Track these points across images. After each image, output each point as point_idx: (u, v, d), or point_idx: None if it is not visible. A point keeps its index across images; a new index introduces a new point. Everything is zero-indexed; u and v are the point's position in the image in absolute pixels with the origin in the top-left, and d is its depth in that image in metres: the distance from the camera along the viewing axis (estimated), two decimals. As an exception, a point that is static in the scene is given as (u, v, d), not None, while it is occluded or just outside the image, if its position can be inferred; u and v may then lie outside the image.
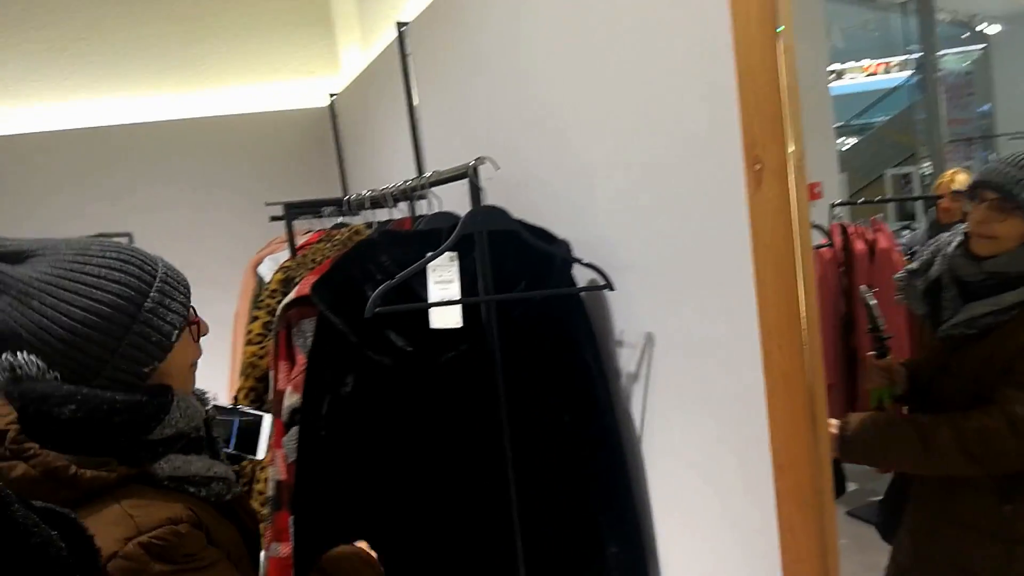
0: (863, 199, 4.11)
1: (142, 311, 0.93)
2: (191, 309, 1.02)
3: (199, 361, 1.07)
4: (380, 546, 1.25)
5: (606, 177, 1.57)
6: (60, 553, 0.62)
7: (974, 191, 1.48)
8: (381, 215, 2.11)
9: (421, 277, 1.52)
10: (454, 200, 1.72)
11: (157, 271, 0.97)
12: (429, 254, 1.46)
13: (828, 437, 1.19)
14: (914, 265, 1.62)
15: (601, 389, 1.62)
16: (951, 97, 9.46)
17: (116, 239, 3.62)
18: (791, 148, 1.19)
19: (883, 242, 2.97)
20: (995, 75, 9.60)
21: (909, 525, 1.58)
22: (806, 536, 1.15)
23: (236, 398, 2.04)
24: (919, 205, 4.50)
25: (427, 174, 1.70)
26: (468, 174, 1.44)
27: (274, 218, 2.59)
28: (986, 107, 9.70)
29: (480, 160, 1.44)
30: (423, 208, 2.13)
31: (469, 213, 1.44)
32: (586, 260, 1.56)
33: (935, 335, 1.54)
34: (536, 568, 1.53)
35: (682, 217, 1.36)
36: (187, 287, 1.02)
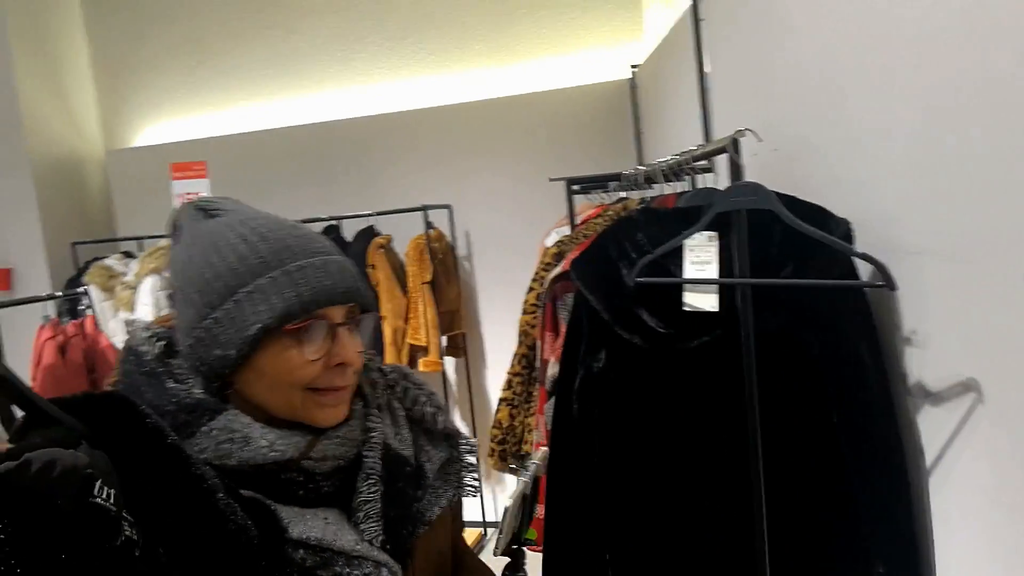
0: None
1: (238, 292, 0.83)
2: (316, 321, 0.85)
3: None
4: (610, 526, 1.26)
5: (897, 151, 1.36)
6: (252, 540, 0.73)
7: None
8: (664, 191, 2.07)
9: (678, 258, 1.48)
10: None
11: (294, 262, 0.85)
12: (684, 233, 1.41)
13: None
14: None
15: (879, 390, 1.43)
16: None
17: (432, 208, 4.03)
18: None
19: None
20: None
21: None
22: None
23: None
24: None
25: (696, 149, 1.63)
26: (727, 148, 1.36)
27: (572, 192, 2.68)
28: None
29: (740, 132, 1.35)
30: (707, 183, 2.06)
31: (726, 190, 1.36)
32: (862, 250, 1.38)
33: None
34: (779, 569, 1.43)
35: (983, 200, 1.14)
36: (326, 292, 0.85)
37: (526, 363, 2.05)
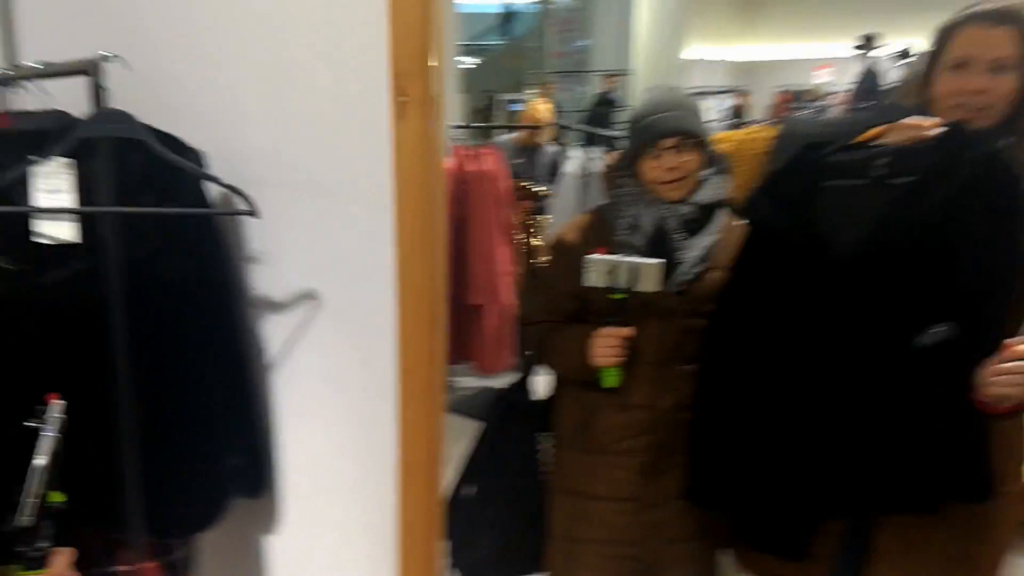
0: (480, 123, 4.51)
1: None
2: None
3: None
4: None
5: (252, 86, 1.52)
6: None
7: (646, 146, 1.50)
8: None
9: (24, 186, 1.35)
10: (65, 97, 1.52)
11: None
12: (37, 158, 1.30)
13: (444, 342, 1.37)
14: (624, 223, 1.55)
15: (232, 304, 1.60)
16: (558, 30, 10.59)
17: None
18: (435, 80, 1.30)
19: (490, 166, 3.29)
20: (595, 13, 10.90)
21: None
22: (425, 429, 1.33)
23: None
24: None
25: (29, 63, 1.47)
26: (90, 71, 1.29)
27: None
28: (583, 43, 11.06)
29: (106, 56, 1.30)
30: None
31: (88, 116, 1.30)
32: (221, 176, 1.51)
33: (656, 294, 1.47)
34: (143, 483, 1.49)
35: (329, 138, 1.41)
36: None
37: None
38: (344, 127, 1.41)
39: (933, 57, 1.39)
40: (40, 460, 0.98)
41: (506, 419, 1.71)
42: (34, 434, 1.07)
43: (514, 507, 1.69)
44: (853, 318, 1.31)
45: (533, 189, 3.52)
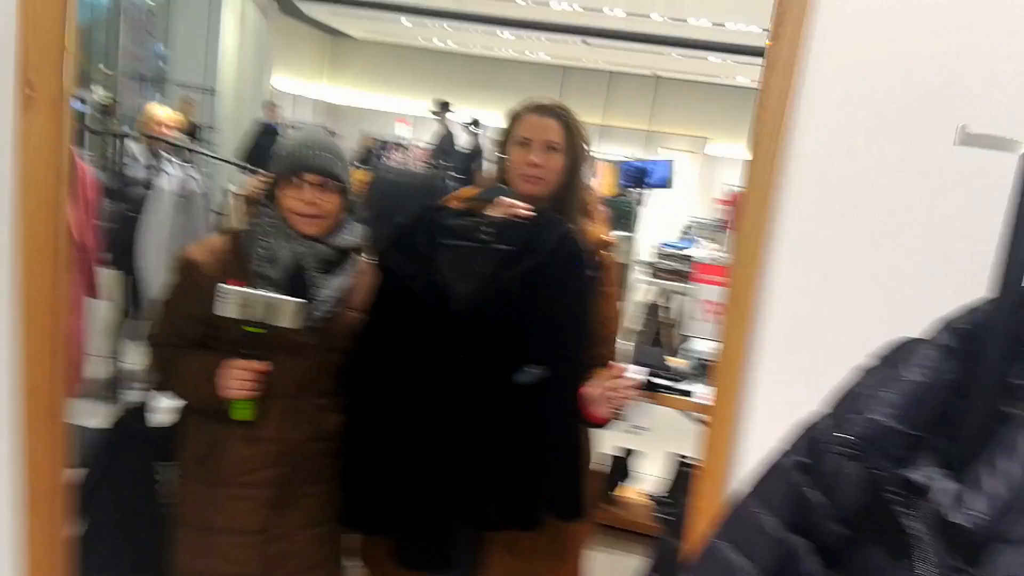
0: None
1: None
2: None
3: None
4: None
5: None
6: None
7: (292, 176, 1.56)
8: None
9: None
10: None
11: None
12: None
13: (63, 361, 1.26)
14: (261, 254, 1.56)
15: None
16: (133, 29, 9.65)
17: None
18: (66, 74, 1.22)
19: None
20: (173, 20, 10.21)
21: None
22: (51, 456, 1.21)
23: None
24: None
25: None
26: None
27: None
28: (160, 48, 10.25)
29: None
30: None
31: None
32: None
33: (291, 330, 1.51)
34: None
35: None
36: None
37: None
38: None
39: (506, 134, 1.76)
40: None
41: (121, 447, 1.58)
42: None
43: (131, 543, 1.56)
44: (465, 358, 1.54)
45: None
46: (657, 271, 4.62)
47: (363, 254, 1.69)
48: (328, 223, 1.61)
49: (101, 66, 8.87)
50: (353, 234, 1.66)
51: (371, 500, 1.61)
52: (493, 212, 1.60)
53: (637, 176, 4.90)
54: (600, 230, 1.76)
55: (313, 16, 11.85)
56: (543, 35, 10.16)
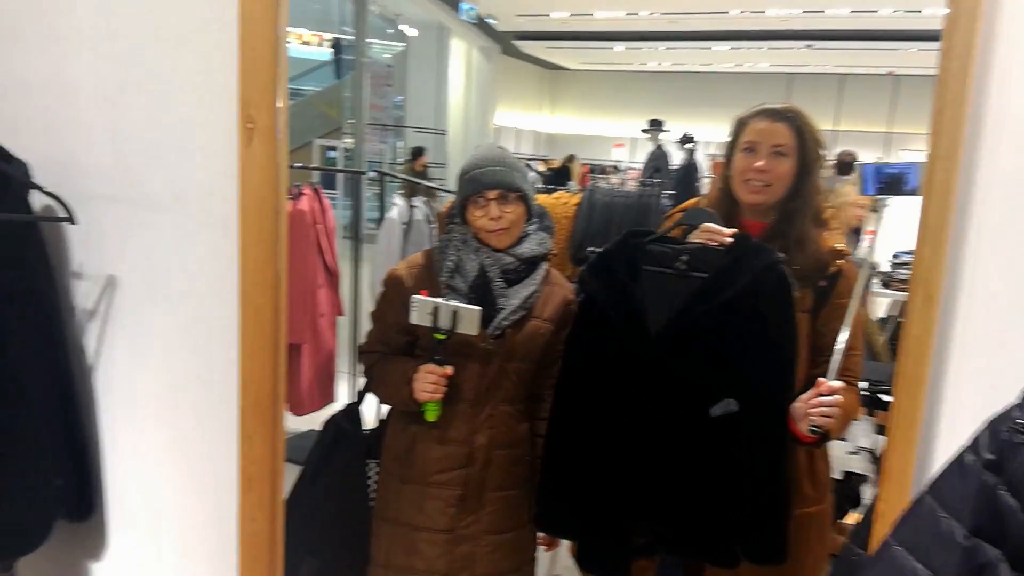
0: (299, 163, 4.50)
1: None
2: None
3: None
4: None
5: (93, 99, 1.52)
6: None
7: (474, 196, 1.64)
8: None
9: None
10: None
11: None
12: None
13: (284, 357, 1.43)
14: (449, 267, 1.66)
15: (56, 322, 1.56)
16: (374, 84, 10.77)
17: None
18: (280, 109, 1.39)
19: (309, 206, 3.35)
20: (409, 72, 11.25)
21: None
22: (263, 441, 1.38)
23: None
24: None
25: None
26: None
27: None
28: (399, 99, 11.32)
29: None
30: None
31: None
32: (49, 188, 1.49)
33: (475, 337, 1.59)
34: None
35: (172, 159, 1.44)
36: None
37: None
38: (190, 149, 1.45)
39: (732, 142, 1.70)
40: None
41: (335, 444, 1.76)
42: None
43: (337, 532, 1.72)
44: (660, 386, 1.51)
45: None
46: (891, 281, 4.21)
47: (549, 263, 1.74)
48: (514, 234, 1.68)
49: (350, 120, 9.96)
50: (539, 243, 1.71)
51: (565, 507, 1.63)
52: (694, 238, 1.57)
53: (890, 182, 4.48)
54: (834, 239, 1.66)
55: (531, 53, 12.42)
56: (764, 44, 9.79)
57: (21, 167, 1.51)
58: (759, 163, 1.62)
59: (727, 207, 1.71)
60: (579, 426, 1.60)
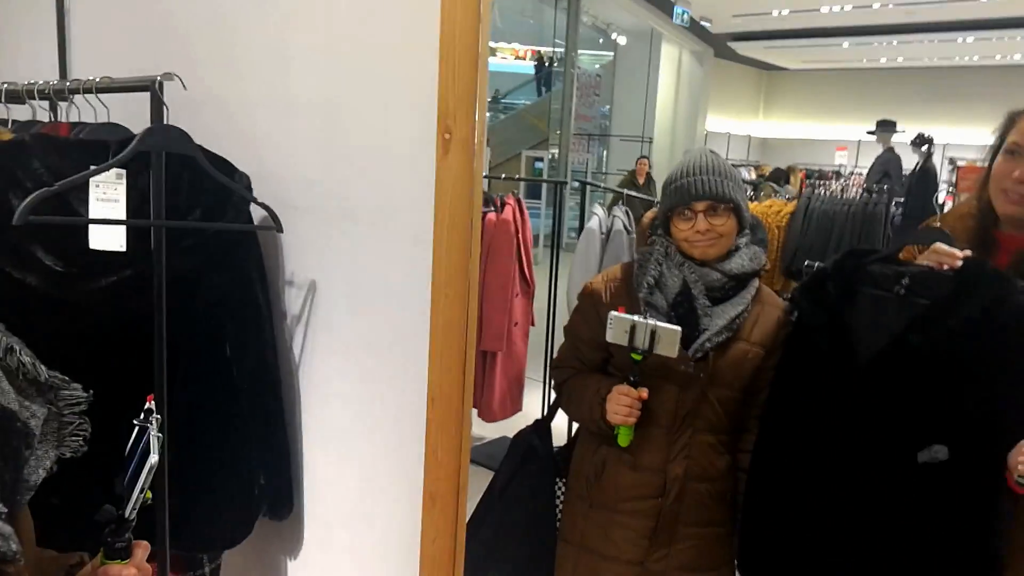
0: (505, 175, 4.58)
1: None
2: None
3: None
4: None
5: (306, 113, 1.59)
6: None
7: (681, 208, 1.52)
8: (20, 114, 1.83)
9: (81, 192, 1.40)
10: (116, 112, 1.59)
11: None
12: (95, 167, 1.35)
13: (472, 371, 1.39)
14: (649, 283, 1.54)
15: (267, 326, 1.64)
16: (581, 94, 10.88)
17: None
18: (477, 121, 1.36)
19: (510, 215, 3.37)
20: (617, 81, 11.20)
21: None
22: (448, 456, 1.35)
23: None
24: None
25: (91, 77, 1.54)
26: (153, 87, 1.36)
27: None
28: (606, 108, 11.33)
29: (168, 76, 1.37)
30: (68, 115, 1.91)
31: (148, 130, 1.36)
32: (261, 199, 1.57)
33: (674, 359, 1.45)
34: (177, 497, 1.52)
35: (372, 169, 1.46)
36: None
37: None
38: (390, 160, 1.46)
39: (998, 142, 1.45)
40: (154, 458, 1.01)
41: (525, 460, 1.71)
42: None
43: (523, 550, 1.68)
44: (864, 422, 1.35)
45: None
46: None
47: (761, 280, 1.58)
48: (723, 247, 1.53)
49: (557, 132, 10.13)
50: (750, 259, 1.55)
51: (769, 550, 1.49)
52: (922, 259, 1.38)
53: None
54: None
55: (747, 54, 11.87)
56: (1018, 33, 8.60)
57: (244, 179, 1.61)
58: (1017, 172, 1.37)
59: (982, 217, 1.45)
60: (782, 462, 1.46)
